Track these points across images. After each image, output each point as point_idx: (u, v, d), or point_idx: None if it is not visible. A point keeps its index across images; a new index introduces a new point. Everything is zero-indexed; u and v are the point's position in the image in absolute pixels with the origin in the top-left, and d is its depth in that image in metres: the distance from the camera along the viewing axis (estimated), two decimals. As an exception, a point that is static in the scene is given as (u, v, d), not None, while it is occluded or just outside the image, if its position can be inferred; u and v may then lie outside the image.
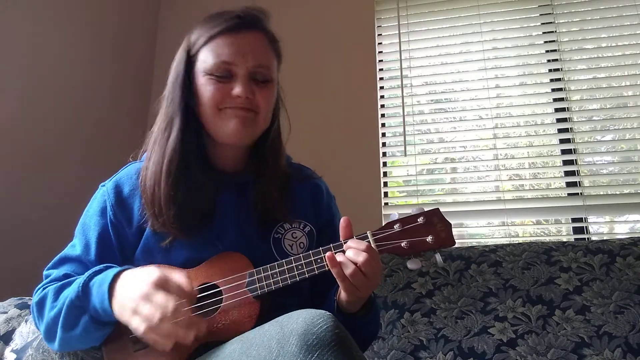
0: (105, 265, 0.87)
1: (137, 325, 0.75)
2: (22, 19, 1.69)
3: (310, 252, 0.85)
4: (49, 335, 0.88)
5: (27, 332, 1.06)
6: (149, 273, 0.78)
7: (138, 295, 0.76)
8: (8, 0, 1.63)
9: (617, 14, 2.00)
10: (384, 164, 2.09)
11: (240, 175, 1.00)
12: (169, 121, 0.94)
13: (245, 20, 0.95)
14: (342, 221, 0.86)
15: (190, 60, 0.95)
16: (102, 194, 0.97)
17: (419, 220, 0.85)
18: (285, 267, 0.85)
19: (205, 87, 0.92)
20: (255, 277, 0.85)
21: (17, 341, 1.06)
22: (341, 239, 0.85)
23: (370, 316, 0.93)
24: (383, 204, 2.00)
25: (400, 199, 2.11)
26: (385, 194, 2.06)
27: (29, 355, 1.00)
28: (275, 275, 0.84)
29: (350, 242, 0.82)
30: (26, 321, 1.10)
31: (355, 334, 0.73)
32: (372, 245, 0.83)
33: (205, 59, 0.93)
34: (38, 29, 1.75)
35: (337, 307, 0.89)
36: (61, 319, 0.84)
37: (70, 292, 0.84)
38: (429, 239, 0.83)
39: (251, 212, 0.97)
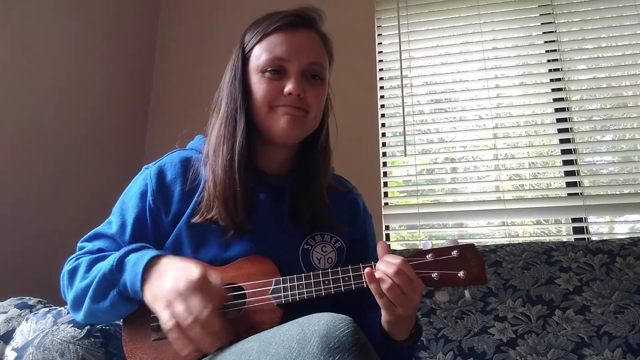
0: (141, 244, 0.87)
1: (166, 319, 0.74)
2: (22, 18, 1.69)
3: (339, 269, 0.84)
4: (76, 304, 0.89)
5: (27, 330, 1.06)
6: (191, 270, 0.77)
7: (174, 289, 0.75)
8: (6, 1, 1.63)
9: (617, 14, 2.01)
10: (384, 164, 2.09)
11: (278, 178, 0.98)
12: (232, 120, 0.92)
13: (299, 18, 0.95)
14: (380, 247, 0.84)
15: (245, 58, 0.95)
16: (145, 177, 0.96)
17: (452, 253, 0.82)
18: (312, 281, 0.84)
19: (257, 85, 0.92)
20: (281, 285, 0.85)
21: (17, 340, 1.06)
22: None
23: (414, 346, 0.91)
24: (383, 204, 2.00)
25: (400, 199, 2.11)
26: (385, 194, 2.06)
27: (30, 354, 1.00)
28: (301, 287, 0.84)
29: (385, 257, 0.81)
30: (27, 320, 1.09)
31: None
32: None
33: (259, 55, 0.93)
34: (38, 29, 1.75)
35: (382, 333, 0.87)
36: (91, 290, 0.85)
37: (104, 265, 0.85)
38: (461, 274, 0.81)
39: (285, 217, 0.96)
